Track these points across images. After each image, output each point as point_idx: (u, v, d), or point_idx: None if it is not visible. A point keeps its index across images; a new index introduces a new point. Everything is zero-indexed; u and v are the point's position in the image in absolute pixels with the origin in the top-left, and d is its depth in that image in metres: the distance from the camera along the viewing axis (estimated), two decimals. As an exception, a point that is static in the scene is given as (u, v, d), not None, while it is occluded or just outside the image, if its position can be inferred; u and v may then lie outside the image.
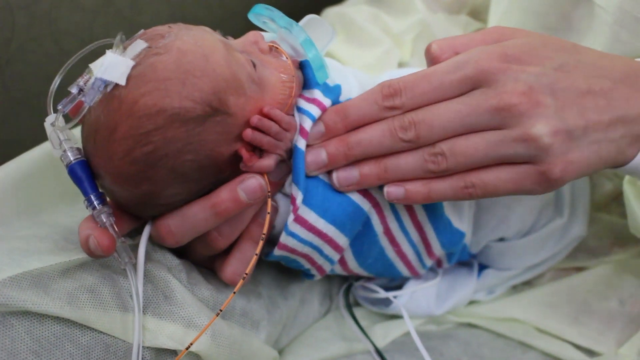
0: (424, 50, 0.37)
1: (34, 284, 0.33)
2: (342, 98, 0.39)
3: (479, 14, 0.66)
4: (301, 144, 0.37)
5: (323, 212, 0.38)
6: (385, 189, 0.36)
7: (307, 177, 0.37)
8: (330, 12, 0.69)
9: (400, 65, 0.62)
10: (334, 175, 0.37)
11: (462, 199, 0.36)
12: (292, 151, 0.38)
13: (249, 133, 0.35)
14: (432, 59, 0.37)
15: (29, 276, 0.33)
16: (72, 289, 0.34)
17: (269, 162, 0.36)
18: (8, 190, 0.40)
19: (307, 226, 0.38)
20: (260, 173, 0.36)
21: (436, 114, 0.34)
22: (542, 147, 0.33)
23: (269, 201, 0.37)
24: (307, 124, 0.37)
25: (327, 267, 0.42)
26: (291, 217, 0.37)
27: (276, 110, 0.36)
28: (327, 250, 0.40)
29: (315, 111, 0.38)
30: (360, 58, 0.62)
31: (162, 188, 0.35)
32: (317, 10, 0.71)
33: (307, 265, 0.41)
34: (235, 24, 0.39)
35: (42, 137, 0.47)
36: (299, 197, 0.37)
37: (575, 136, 0.34)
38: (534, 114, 0.33)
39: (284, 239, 0.38)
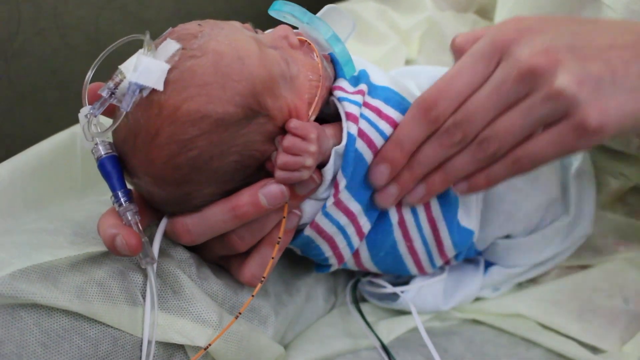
0: (449, 43, 0.38)
1: (43, 277, 0.33)
2: (373, 80, 0.40)
3: (486, 12, 0.66)
4: (352, 129, 0.37)
5: (356, 195, 0.38)
6: (452, 187, 0.39)
7: (355, 162, 0.37)
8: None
9: (407, 62, 0.62)
10: (405, 199, 0.39)
11: (517, 175, 0.37)
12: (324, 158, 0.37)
13: (280, 176, 0.35)
14: (457, 51, 0.37)
15: (38, 269, 0.33)
16: (81, 283, 0.34)
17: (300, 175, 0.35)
18: (17, 184, 0.40)
19: (342, 207, 0.39)
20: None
21: (472, 108, 0.35)
22: (569, 98, 0.33)
23: (286, 206, 0.37)
24: (352, 109, 0.37)
25: (347, 254, 0.42)
26: (331, 200, 0.38)
27: (291, 122, 0.35)
28: (351, 231, 0.40)
29: (353, 96, 0.38)
30: (367, 55, 0.62)
31: (202, 188, 0.35)
32: (324, 6, 0.71)
33: (328, 252, 0.41)
34: (240, 20, 0.38)
35: (47, 130, 0.48)
36: (342, 182, 0.37)
37: (605, 84, 0.33)
38: (555, 70, 0.33)
39: (318, 218, 0.38)
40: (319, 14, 0.39)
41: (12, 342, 0.32)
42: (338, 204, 0.38)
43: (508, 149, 0.35)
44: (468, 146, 0.36)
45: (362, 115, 0.38)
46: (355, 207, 0.39)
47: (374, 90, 0.39)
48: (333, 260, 0.42)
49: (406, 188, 0.39)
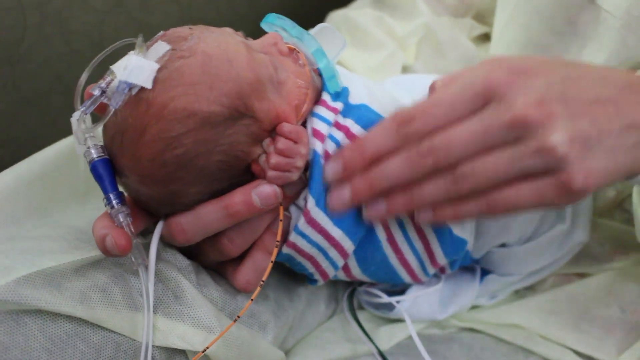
0: (429, 86, 0.37)
1: (47, 282, 0.34)
2: (351, 100, 0.40)
3: (484, 17, 0.66)
4: (318, 147, 0.37)
5: (335, 218, 0.38)
6: (415, 213, 0.37)
7: (322, 180, 0.37)
8: (335, 15, 0.69)
9: (404, 68, 0.62)
10: (363, 209, 0.38)
11: (487, 217, 0.36)
12: (308, 162, 0.38)
13: (272, 175, 0.36)
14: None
15: (42, 275, 0.34)
16: (85, 288, 0.35)
17: (289, 176, 0.36)
18: (20, 190, 0.41)
19: (318, 228, 0.39)
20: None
21: (452, 138, 0.34)
22: (559, 157, 0.33)
23: (281, 208, 0.37)
24: (321, 126, 0.38)
25: (331, 272, 0.42)
26: (302, 219, 0.38)
27: (284, 126, 0.36)
28: (333, 253, 0.40)
29: (326, 113, 0.38)
30: (364, 61, 0.62)
31: (189, 187, 0.36)
32: (322, 14, 0.71)
33: (311, 269, 0.42)
34: (244, 26, 0.39)
35: (51, 135, 0.48)
36: (311, 201, 0.38)
37: (591, 144, 0.33)
38: (548, 124, 0.33)
39: (293, 237, 0.39)
40: (312, 31, 0.40)
41: (17, 348, 0.32)
42: (311, 223, 0.38)
43: (483, 189, 0.34)
44: (442, 177, 0.34)
45: (330, 136, 0.38)
46: (336, 232, 0.39)
47: (348, 110, 0.39)
48: (317, 277, 0.43)
49: (360, 195, 0.36)
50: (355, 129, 0.38)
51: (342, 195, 0.36)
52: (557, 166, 0.33)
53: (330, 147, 0.38)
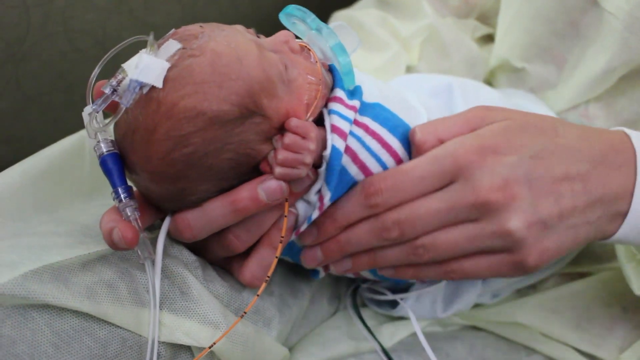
0: (409, 133, 0.39)
1: (54, 277, 0.34)
2: (364, 98, 0.40)
3: (487, 18, 0.67)
4: (338, 143, 0.37)
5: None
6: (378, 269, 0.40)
7: (339, 176, 0.38)
8: (339, 15, 0.69)
9: (408, 69, 0.63)
10: (331, 265, 0.41)
11: (445, 280, 0.39)
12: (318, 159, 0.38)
13: (279, 172, 0.36)
14: (415, 146, 0.38)
15: (49, 270, 0.34)
16: (91, 283, 0.35)
17: (297, 172, 0.36)
18: (27, 187, 0.41)
19: None
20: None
21: (417, 213, 0.36)
22: (516, 240, 0.34)
23: (286, 204, 0.37)
24: (341, 124, 0.38)
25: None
26: (316, 213, 0.38)
27: (291, 121, 0.36)
28: None
29: (346, 111, 0.38)
30: (369, 62, 0.62)
31: (198, 184, 0.36)
32: (327, 14, 0.71)
33: None
34: (246, 26, 0.39)
35: (53, 133, 0.48)
36: (327, 196, 0.38)
37: (550, 225, 0.35)
38: (509, 208, 0.34)
39: (303, 229, 0.39)
40: None
41: (25, 343, 0.33)
42: None
43: (442, 259, 0.37)
44: (404, 245, 0.37)
45: (351, 132, 0.38)
46: None
47: (364, 108, 0.40)
48: (319, 268, 0.43)
49: (331, 257, 0.39)
50: (374, 126, 0.39)
51: (315, 255, 0.40)
52: (513, 247, 0.35)
53: (353, 143, 0.38)
